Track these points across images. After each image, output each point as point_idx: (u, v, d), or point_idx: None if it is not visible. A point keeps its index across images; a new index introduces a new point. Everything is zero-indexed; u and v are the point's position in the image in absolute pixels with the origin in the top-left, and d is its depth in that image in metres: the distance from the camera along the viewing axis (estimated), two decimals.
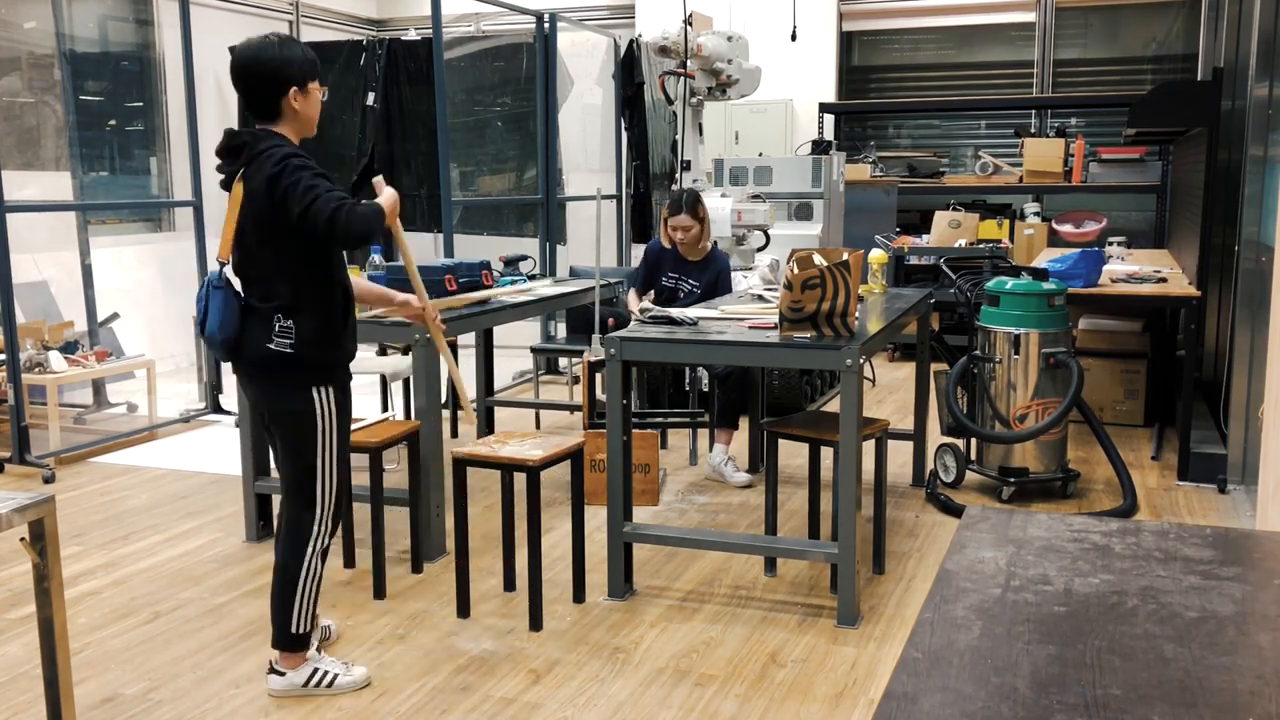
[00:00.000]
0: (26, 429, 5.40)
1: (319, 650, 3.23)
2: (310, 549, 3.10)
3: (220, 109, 8.47)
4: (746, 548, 3.87)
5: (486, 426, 5.93)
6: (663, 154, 8.34)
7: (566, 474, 4.19)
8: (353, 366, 3.25)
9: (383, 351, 5.73)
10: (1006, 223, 8.45)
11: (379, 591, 3.83)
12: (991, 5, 9.24)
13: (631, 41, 8.01)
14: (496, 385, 6.50)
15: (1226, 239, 5.87)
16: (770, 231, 6.60)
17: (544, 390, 7.10)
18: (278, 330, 2.97)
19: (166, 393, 6.94)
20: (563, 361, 7.75)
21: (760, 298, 4.68)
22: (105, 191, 8.16)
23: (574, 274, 6.65)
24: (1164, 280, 5.53)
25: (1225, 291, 6.06)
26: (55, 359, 5.86)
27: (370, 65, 7.68)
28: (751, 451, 5.39)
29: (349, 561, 4.12)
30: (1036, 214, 8.44)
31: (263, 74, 2.95)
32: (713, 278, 5.36)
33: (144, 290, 7.88)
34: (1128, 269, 6.01)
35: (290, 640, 3.12)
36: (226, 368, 3.21)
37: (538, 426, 6.28)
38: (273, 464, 3.52)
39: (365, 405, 4.68)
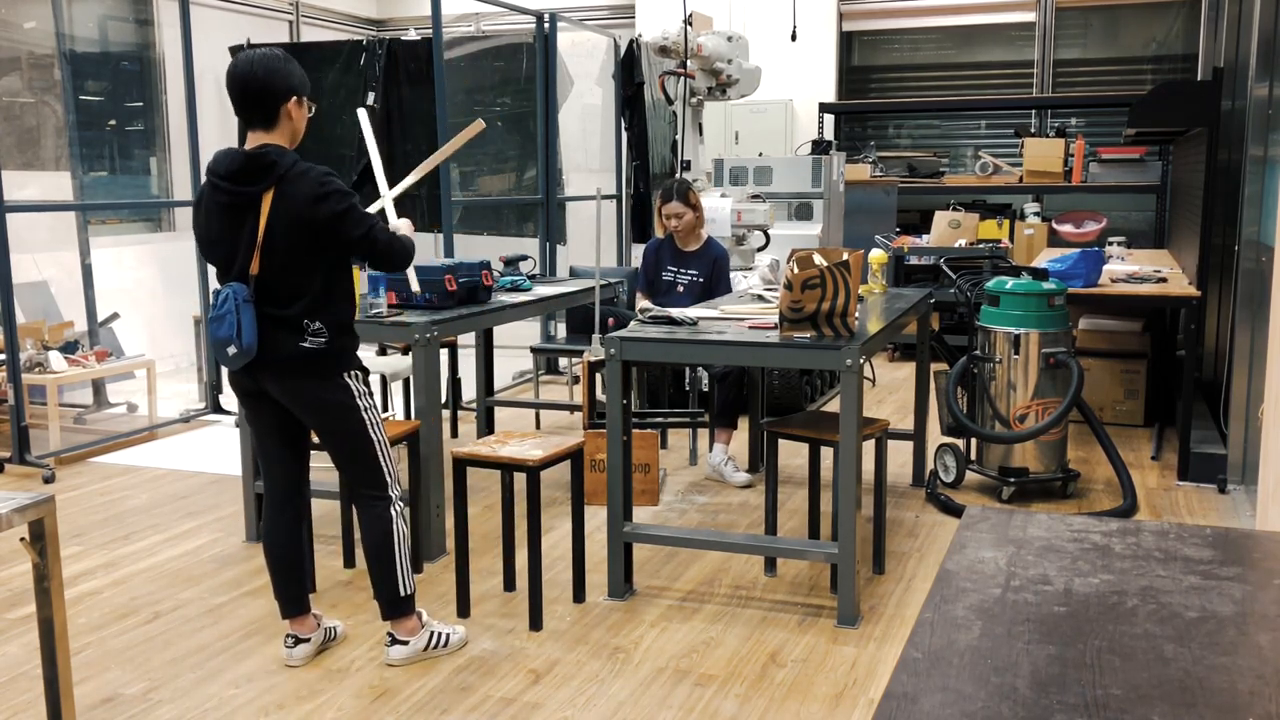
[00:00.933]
0: (26, 429, 5.40)
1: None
2: (393, 513, 3.23)
3: (220, 109, 8.46)
4: (746, 548, 3.87)
5: (487, 426, 5.93)
6: (663, 154, 8.33)
7: (566, 474, 4.19)
8: None
9: (383, 351, 5.73)
10: (1006, 223, 8.45)
11: None
12: (991, 5, 9.24)
13: (631, 41, 8.00)
14: (496, 385, 6.50)
15: (1226, 239, 5.87)
16: (770, 231, 6.60)
17: (544, 390, 7.10)
18: (311, 330, 3.07)
19: (166, 393, 6.94)
20: (563, 361, 7.76)
21: (760, 298, 4.68)
22: (105, 191, 8.16)
23: (574, 274, 6.65)
24: (1164, 280, 5.53)
25: (1225, 291, 6.06)
26: (55, 359, 5.86)
27: (370, 65, 7.67)
28: (751, 451, 5.39)
29: (349, 561, 4.12)
30: (1036, 214, 8.44)
31: (271, 79, 3.04)
32: (710, 266, 5.39)
33: (144, 290, 7.88)
34: (1128, 269, 6.01)
35: (403, 604, 3.26)
36: (226, 369, 3.21)
37: (538, 426, 6.28)
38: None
39: None
